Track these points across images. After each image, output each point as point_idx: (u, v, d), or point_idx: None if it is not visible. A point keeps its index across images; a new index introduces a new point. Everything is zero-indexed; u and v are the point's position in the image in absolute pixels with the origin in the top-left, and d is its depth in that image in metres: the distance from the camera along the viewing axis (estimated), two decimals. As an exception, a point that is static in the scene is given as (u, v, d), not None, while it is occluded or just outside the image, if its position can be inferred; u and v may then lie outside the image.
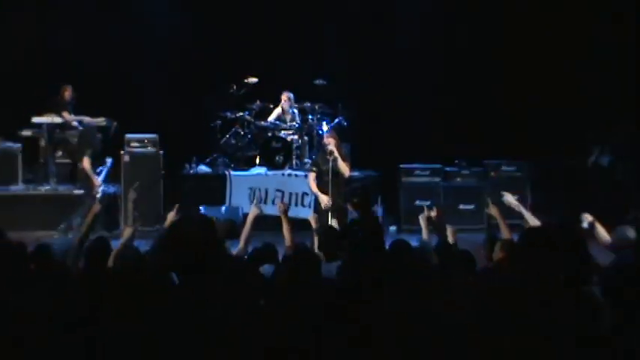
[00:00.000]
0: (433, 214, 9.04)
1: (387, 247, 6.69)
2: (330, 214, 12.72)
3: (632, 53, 17.27)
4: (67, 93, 16.48)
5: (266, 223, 12.05)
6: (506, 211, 9.26)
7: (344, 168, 12.82)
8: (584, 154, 16.37)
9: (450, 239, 8.60)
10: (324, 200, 12.67)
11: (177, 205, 9.58)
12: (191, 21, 17.84)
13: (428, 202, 15.38)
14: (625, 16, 17.33)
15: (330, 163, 12.76)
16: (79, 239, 8.20)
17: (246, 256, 8.47)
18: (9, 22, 17.39)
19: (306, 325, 4.41)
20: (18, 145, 16.64)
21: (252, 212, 9.06)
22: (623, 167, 15.92)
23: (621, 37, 17.20)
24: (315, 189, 13.22)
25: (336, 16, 17.66)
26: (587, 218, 8.62)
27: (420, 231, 8.96)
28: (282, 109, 16.58)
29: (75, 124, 16.45)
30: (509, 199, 9.30)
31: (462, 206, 16.34)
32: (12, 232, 9.51)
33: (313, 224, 9.47)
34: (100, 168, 14.78)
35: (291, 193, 15.64)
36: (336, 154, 12.79)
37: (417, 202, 16.11)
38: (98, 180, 14.36)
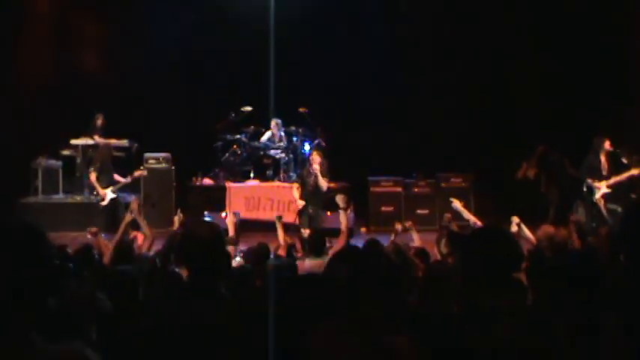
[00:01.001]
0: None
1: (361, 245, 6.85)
2: (307, 216, 12.90)
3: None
4: (99, 119, 16.60)
5: (258, 225, 12.21)
6: (455, 214, 9.40)
7: (323, 183, 12.94)
8: (515, 168, 16.42)
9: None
10: (300, 205, 13.06)
11: (179, 209, 9.63)
12: (197, 61, 17.93)
13: (391, 208, 15.59)
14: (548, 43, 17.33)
15: (312, 179, 12.92)
16: (115, 243, 8.22)
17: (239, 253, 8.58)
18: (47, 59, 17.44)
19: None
20: (59, 162, 16.81)
21: (230, 220, 9.00)
22: (545, 180, 15.96)
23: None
24: (296, 196, 13.46)
25: (315, 56, 17.73)
26: (515, 220, 8.80)
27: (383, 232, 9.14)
28: (272, 133, 16.62)
29: (101, 145, 16.55)
30: (457, 205, 9.43)
31: (418, 211, 16.38)
32: (53, 232, 9.59)
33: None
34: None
35: (279, 201, 15.68)
36: (317, 172, 12.93)
37: (383, 208, 16.27)
38: (103, 190, 14.22)
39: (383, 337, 3.46)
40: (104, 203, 14.02)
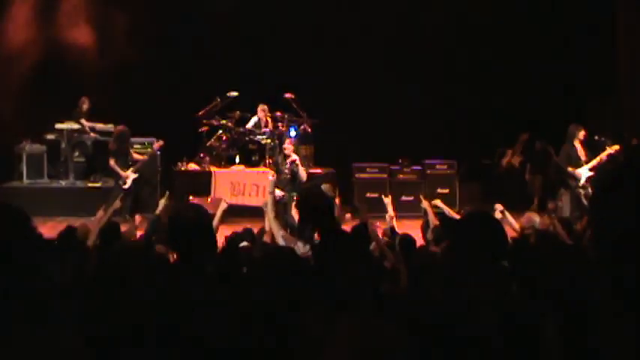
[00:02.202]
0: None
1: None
2: (282, 204, 12.50)
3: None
4: (85, 104, 16.51)
5: (244, 211, 12.18)
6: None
7: (302, 173, 12.77)
8: (500, 156, 16.48)
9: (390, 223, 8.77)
10: (278, 195, 12.33)
11: (167, 193, 9.57)
12: (186, 46, 17.88)
13: (376, 195, 15.61)
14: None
15: (288, 166, 12.69)
16: (100, 228, 8.19)
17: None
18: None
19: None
20: (43, 147, 16.74)
21: (221, 206, 8.93)
22: (529, 168, 16.03)
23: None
24: (271, 187, 12.99)
25: (300, 42, 17.72)
26: (498, 207, 8.82)
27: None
28: (259, 118, 16.57)
29: (87, 129, 16.49)
30: (438, 203, 9.46)
31: (404, 198, 16.38)
32: (38, 217, 9.52)
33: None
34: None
35: (265, 187, 15.60)
36: (298, 162, 12.73)
37: (368, 194, 16.28)
38: (124, 173, 14.04)
39: (369, 322, 3.46)
40: (126, 187, 13.78)
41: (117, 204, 8.92)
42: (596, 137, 14.16)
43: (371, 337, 3.38)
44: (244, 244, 8.22)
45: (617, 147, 13.86)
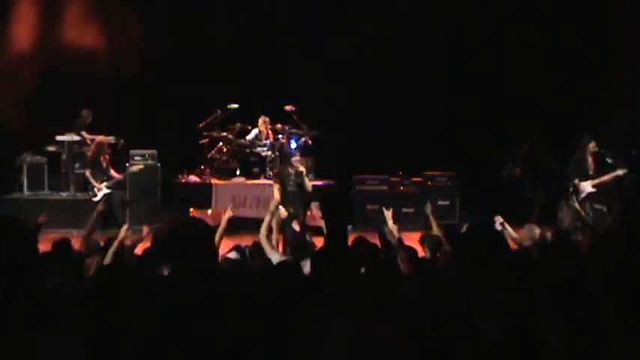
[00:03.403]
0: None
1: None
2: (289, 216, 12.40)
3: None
4: (86, 115, 16.51)
5: (244, 224, 12.15)
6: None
7: (308, 184, 12.73)
8: (500, 167, 16.43)
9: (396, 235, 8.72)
10: (283, 212, 12.14)
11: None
12: (186, 58, 17.90)
13: (377, 207, 15.60)
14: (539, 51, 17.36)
15: (293, 178, 12.66)
16: (87, 234, 8.24)
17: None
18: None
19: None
20: (44, 158, 16.75)
21: (227, 214, 8.88)
22: (529, 179, 15.99)
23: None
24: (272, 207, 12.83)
25: (301, 54, 17.74)
26: (498, 220, 8.79)
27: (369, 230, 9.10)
28: (260, 130, 16.54)
29: (88, 141, 16.49)
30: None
31: (404, 210, 16.37)
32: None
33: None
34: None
35: (266, 199, 15.59)
36: (304, 173, 12.72)
37: (368, 206, 16.26)
38: (98, 185, 14.17)
39: (364, 326, 3.46)
40: (96, 199, 13.85)
41: (100, 207, 8.96)
42: (596, 149, 14.12)
43: (369, 339, 3.38)
44: (233, 254, 8.21)
45: (625, 170, 13.80)
